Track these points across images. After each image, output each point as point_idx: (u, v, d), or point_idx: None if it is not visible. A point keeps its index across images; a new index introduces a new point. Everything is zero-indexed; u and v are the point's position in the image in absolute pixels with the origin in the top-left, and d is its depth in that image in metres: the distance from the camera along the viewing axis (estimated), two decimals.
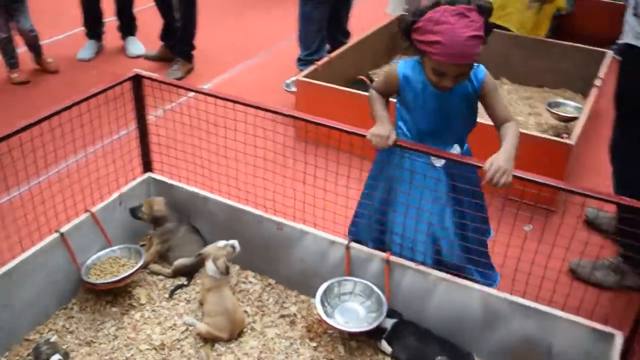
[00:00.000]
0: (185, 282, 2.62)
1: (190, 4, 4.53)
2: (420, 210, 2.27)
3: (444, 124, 2.19)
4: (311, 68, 3.83)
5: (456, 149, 2.24)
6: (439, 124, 2.19)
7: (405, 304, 2.35)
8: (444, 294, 2.26)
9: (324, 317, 2.28)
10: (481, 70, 2.10)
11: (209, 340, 2.34)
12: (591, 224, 3.04)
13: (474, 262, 2.33)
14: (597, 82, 3.75)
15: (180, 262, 2.63)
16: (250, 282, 2.65)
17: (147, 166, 2.80)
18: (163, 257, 2.72)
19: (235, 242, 2.45)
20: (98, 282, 2.45)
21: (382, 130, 2.16)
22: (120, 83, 2.53)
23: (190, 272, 2.65)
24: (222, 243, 2.44)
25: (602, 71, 3.91)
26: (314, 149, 2.46)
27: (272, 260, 2.59)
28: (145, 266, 2.66)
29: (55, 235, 2.40)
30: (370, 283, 2.39)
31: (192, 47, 4.73)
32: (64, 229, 2.43)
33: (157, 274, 2.67)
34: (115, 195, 2.65)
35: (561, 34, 4.88)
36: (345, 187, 2.40)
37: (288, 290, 2.61)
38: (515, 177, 1.98)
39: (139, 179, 2.77)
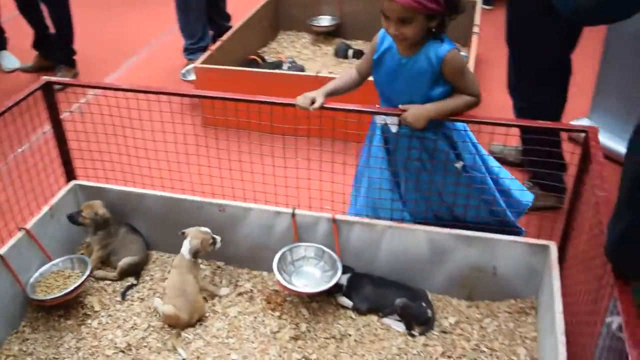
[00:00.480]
0: (135, 282, 2.60)
1: (62, 8, 4.36)
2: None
3: (404, 96, 2.24)
4: (206, 54, 3.84)
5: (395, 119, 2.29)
6: (397, 89, 2.26)
7: (356, 257, 2.48)
8: (391, 241, 2.41)
9: (284, 283, 2.36)
10: (444, 49, 2.12)
11: (171, 326, 2.37)
12: (498, 159, 3.30)
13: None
14: (476, 30, 4.03)
15: (125, 261, 2.60)
16: (200, 268, 2.67)
17: (70, 174, 2.73)
18: (105, 262, 2.69)
19: (218, 238, 2.50)
20: (48, 297, 2.39)
21: (310, 93, 2.28)
22: (32, 93, 2.45)
23: (136, 270, 2.63)
24: (205, 229, 2.47)
25: (477, 19, 4.20)
26: (225, 134, 2.50)
27: None
28: (90, 275, 2.61)
29: None
30: (319, 245, 2.49)
31: (73, 52, 4.56)
32: (2, 251, 2.34)
33: (103, 279, 2.63)
34: (45, 208, 2.57)
35: None
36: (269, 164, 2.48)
37: (239, 269, 2.66)
38: None
39: (65, 188, 2.69)
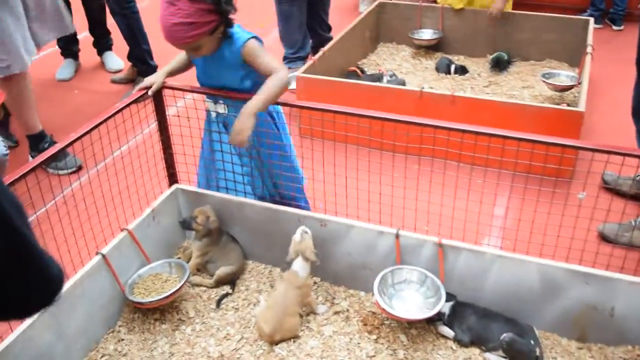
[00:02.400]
0: (230, 291, 2.57)
1: (128, 23, 4.34)
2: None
3: (217, 83, 2.47)
4: (309, 63, 3.80)
5: (221, 101, 2.50)
6: (214, 82, 2.48)
7: (461, 285, 2.35)
8: (500, 271, 2.27)
9: (384, 307, 2.26)
10: (238, 41, 2.33)
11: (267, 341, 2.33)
12: (610, 188, 3.10)
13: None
14: (589, 50, 3.82)
15: (222, 270, 2.58)
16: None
17: (172, 177, 2.74)
18: (201, 268, 2.67)
19: (304, 227, 2.45)
20: (147, 300, 2.38)
21: (149, 77, 2.57)
22: (143, 97, 2.48)
23: (232, 280, 2.60)
24: (297, 237, 2.42)
25: (590, 39, 3.99)
26: (321, 144, 2.43)
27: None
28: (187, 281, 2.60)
29: (98, 257, 2.32)
30: (422, 269, 2.38)
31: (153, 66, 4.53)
32: (104, 250, 2.35)
33: (199, 285, 2.61)
34: (148, 210, 2.57)
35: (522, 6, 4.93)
36: (381, 182, 2.39)
37: (335, 286, 2.58)
38: (537, 142, 2.08)
39: (167, 192, 2.70)
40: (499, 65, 4.34)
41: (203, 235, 2.60)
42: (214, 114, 2.56)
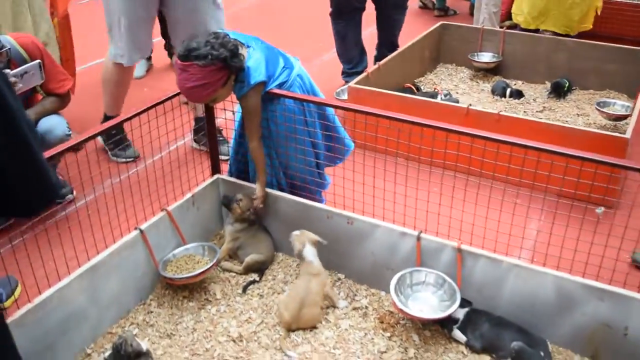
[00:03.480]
0: (257, 279, 2.69)
1: None
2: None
3: None
4: (362, 75, 3.92)
5: None
6: None
7: (477, 292, 2.39)
8: (516, 280, 2.30)
9: (399, 305, 2.33)
10: (242, 89, 2.51)
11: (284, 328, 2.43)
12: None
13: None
14: None
15: (252, 258, 2.70)
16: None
17: (216, 168, 2.90)
18: (232, 255, 2.81)
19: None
20: (177, 276, 2.54)
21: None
22: None
23: (261, 268, 2.72)
24: (295, 232, 2.58)
25: None
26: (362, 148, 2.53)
27: (341, 255, 2.65)
28: (217, 263, 2.74)
29: (136, 232, 2.49)
30: (441, 273, 2.43)
31: None
32: (143, 226, 2.53)
33: (229, 271, 2.75)
34: (188, 195, 2.74)
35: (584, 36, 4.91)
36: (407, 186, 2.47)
37: (358, 284, 2.66)
38: (585, 159, 2.08)
39: (208, 180, 2.86)
40: (558, 92, 4.32)
41: (237, 220, 2.74)
42: None
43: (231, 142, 2.92)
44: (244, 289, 2.64)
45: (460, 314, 2.36)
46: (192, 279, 2.54)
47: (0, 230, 2.77)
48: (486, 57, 4.73)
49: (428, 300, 2.44)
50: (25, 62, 2.91)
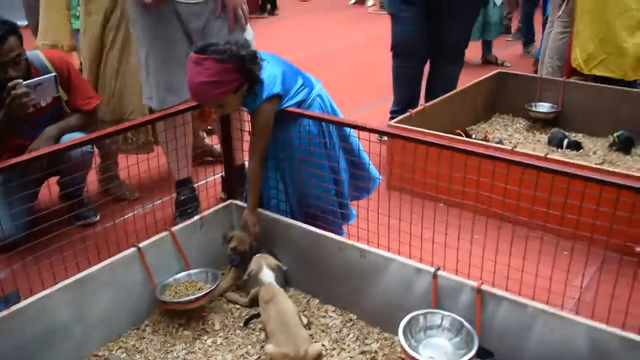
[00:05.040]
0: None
1: None
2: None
3: None
4: (404, 115, 3.74)
5: None
6: None
7: (499, 340, 2.09)
8: (544, 329, 1.99)
9: (407, 350, 2.06)
10: (256, 102, 2.38)
11: None
12: None
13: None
14: None
15: (257, 290, 2.50)
16: (330, 317, 2.47)
17: (231, 194, 2.75)
18: (240, 287, 2.62)
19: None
20: (169, 300, 2.37)
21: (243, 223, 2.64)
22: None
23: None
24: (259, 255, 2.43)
25: None
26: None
27: (353, 292, 2.42)
28: (222, 293, 2.56)
29: (133, 249, 2.35)
30: (459, 317, 2.15)
31: None
32: (142, 244, 2.38)
33: (234, 302, 2.56)
34: (196, 217, 2.60)
35: None
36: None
37: (370, 326, 2.41)
38: None
39: (221, 205, 2.71)
40: (625, 145, 3.97)
41: (237, 263, 2.55)
42: None
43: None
44: (246, 323, 2.43)
45: None
46: (187, 305, 2.36)
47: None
48: (544, 108, 4.45)
49: (443, 347, 2.15)
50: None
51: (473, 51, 6.05)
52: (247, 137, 2.70)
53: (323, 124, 2.52)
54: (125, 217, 2.51)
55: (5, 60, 2.72)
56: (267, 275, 2.34)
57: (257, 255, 2.43)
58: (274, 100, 2.39)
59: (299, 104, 2.46)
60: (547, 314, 1.98)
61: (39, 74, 2.84)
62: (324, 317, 2.48)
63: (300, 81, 2.48)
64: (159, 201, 2.57)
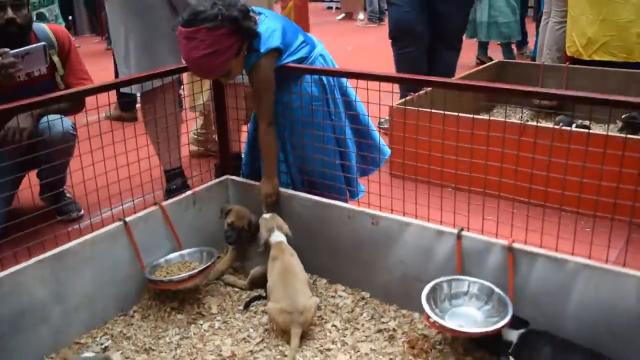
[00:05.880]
0: (264, 294, 2.22)
1: None
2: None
3: None
4: (407, 97, 3.54)
5: None
6: None
7: (536, 306, 1.85)
8: (587, 287, 1.75)
9: (434, 317, 1.81)
10: (252, 58, 2.17)
11: (285, 332, 1.97)
12: None
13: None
14: None
15: (258, 270, 2.25)
16: (340, 296, 2.23)
17: (225, 169, 2.51)
18: (238, 269, 2.37)
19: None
20: (160, 279, 2.11)
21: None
22: None
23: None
24: (266, 215, 2.24)
25: None
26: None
27: (365, 266, 2.17)
28: (218, 276, 2.31)
29: (119, 223, 2.10)
30: (488, 283, 1.91)
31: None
32: (128, 219, 2.13)
33: (232, 285, 2.30)
34: (188, 192, 2.35)
35: None
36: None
37: (385, 304, 2.16)
38: None
39: (215, 180, 2.47)
40: (633, 127, 3.79)
41: (233, 240, 2.31)
42: None
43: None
44: (246, 305, 2.18)
45: (514, 336, 1.82)
46: (180, 284, 2.10)
47: None
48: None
49: (471, 317, 1.90)
50: (53, 46, 2.77)
51: (467, 52, 5.90)
52: (244, 128, 2.50)
53: (327, 88, 2.31)
54: (113, 209, 2.23)
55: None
56: (277, 236, 2.14)
57: (265, 216, 2.20)
58: (273, 54, 2.18)
59: (300, 62, 2.24)
60: (591, 269, 1.74)
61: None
62: (333, 297, 2.23)
63: (301, 37, 2.28)
64: (149, 194, 2.31)
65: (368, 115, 2.44)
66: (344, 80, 2.41)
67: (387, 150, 2.54)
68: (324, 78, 2.30)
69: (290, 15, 3.32)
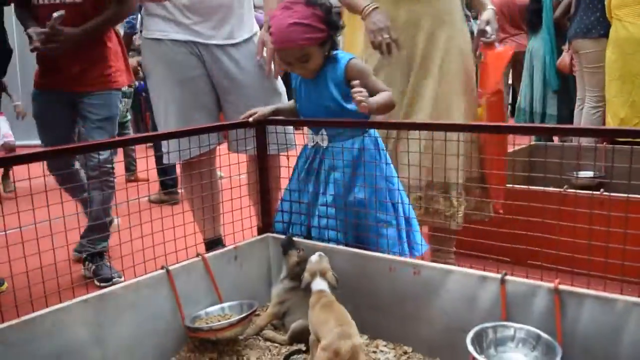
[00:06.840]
0: (304, 348, 2.18)
1: None
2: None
3: (319, 111, 2.39)
4: None
5: (323, 132, 2.40)
6: (314, 110, 2.41)
7: (585, 349, 1.78)
8: (639, 327, 1.70)
9: (478, 358, 1.75)
10: (343, 60, 2.33)
11: None
12: None
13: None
14: None
15: (299, 324, 2.21)
16: (382, 351, 2.17)
17: (267, 227, 2.55)
18: (278, 326, 2.34)
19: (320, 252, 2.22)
20: (200, 327, 2.10)
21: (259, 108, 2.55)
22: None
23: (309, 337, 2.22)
24: (314, 257, 2.18)
25: None
26: None
27: (407, 319, 2.13)
28: (258, 332, 2.29)
29: (161, 271, 2.13)
30: (534, 328, 1.86)
31: None
32: (171, 267, 2.16)
33: (272, 341, 2.27)
34: (230, 247, 2.38)
35: None
36: None
37: (429, 358, 2.10)
38: None
39: (257, 237, 2.50)
40: None
41: (290, 274, 2.31)
42: (311, 144, 2.46)
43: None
44: (286, 358, 2.14)
45: None
46: (220, 332, 2.08)
47: None
48: (587, 175, 4.27)
49: None
50: None
51: None
52: (283, 184, 2.56)
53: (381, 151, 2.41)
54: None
55: None
56: (319, 284, 2.10)
57: (312, 259, 2.18)
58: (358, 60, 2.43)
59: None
60: None
61: None
62: (374, 352, 2.18)
63: None
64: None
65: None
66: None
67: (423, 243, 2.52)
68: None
69: (483, 115, 3.25)
